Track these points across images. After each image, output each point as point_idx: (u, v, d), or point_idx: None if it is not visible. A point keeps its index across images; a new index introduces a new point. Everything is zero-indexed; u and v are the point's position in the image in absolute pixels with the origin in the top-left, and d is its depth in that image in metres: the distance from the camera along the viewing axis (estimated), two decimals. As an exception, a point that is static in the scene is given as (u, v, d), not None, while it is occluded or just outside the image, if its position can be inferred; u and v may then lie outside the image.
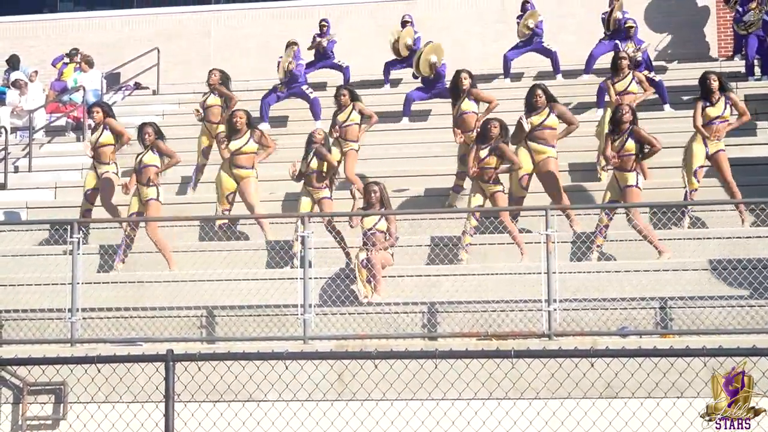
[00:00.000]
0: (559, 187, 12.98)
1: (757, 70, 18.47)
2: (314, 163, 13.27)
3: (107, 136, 13.96)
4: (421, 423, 8.86)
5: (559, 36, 20.10)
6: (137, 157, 13.55)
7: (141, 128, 13.70)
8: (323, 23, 19.72)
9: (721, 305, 10.91)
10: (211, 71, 15.79)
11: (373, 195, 12.23)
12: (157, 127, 13.73)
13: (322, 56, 19.64)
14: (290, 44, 18.10)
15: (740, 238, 12.14)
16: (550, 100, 13.14)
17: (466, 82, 14.03)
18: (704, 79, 13.30)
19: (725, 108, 13.11)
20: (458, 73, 14.15)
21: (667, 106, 17.04)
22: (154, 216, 13.08)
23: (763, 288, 10.80)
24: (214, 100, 15.54)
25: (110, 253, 13.21)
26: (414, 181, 15.09)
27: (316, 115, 17.92)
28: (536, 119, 13.00)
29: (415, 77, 18.12)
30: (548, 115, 13.01)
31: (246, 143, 13.67)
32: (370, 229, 11.92)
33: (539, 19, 18.79)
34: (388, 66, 19.38)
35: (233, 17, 22.73)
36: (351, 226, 12.57)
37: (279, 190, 15.00)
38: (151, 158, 13.40)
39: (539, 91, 13.10)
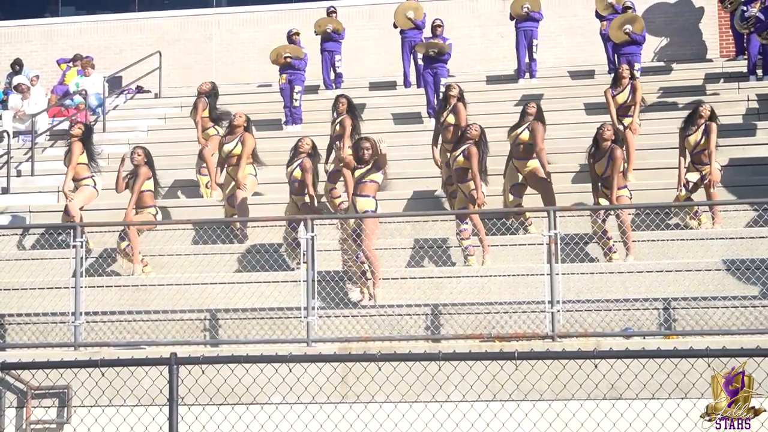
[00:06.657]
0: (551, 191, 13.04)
1: (759, 71, 18.44)
2: (297, 173, 12.89)
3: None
4: (424, 425, 8.85)
5: (561, 37, 20.06)
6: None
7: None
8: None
9: (725, 306, 10.90)
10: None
11: (365, 152, 11.72)
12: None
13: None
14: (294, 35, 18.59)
15: (743, 238, 12.12)
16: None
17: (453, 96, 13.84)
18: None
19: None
20: (448, 87, 14.09)
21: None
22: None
23: (766, 288, 10.79)
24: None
25: (113, 256, 13.22)
26: (409, 183, 14.98)
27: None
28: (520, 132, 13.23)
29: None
30: (523, 131, 13.18)
31: (235, 146, 13.85)
32: (362, 179, 11.68)
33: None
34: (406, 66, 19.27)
35: (234, 21, 22.74)
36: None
37: (268, 193, 14.94)
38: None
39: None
